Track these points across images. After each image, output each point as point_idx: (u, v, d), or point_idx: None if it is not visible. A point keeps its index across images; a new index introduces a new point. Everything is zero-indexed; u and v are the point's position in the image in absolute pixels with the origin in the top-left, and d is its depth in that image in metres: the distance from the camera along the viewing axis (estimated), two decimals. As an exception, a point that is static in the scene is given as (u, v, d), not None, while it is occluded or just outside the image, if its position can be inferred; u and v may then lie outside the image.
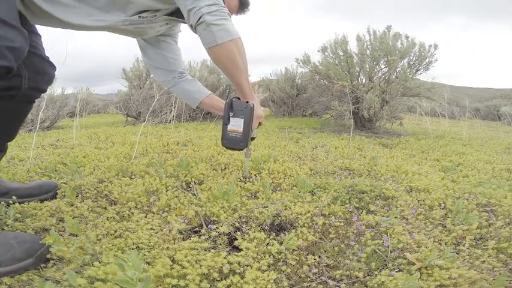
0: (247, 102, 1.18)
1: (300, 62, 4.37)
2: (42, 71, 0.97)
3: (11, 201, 1.08)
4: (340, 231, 1.02)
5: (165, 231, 0.96)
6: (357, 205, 1.24)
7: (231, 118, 1.18)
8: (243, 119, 1.16)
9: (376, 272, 0.81)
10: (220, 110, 1.39)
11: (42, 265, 0.79)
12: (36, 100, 1.03)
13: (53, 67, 1.03)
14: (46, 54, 1.01)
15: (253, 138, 1.33)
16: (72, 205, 1.13)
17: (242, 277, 0.74)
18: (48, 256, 0.80)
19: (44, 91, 1.02)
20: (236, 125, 1.17)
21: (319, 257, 0.89)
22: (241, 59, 1.11)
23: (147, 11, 1.07)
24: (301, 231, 0.98)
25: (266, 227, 1.03)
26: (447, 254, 0.81)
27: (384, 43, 3.62)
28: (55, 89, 4.70)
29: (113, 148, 2.19)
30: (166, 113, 4.62)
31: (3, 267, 0.74)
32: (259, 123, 1.34)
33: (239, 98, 1.24)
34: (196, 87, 1.42)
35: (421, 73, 3.81)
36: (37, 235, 0.89)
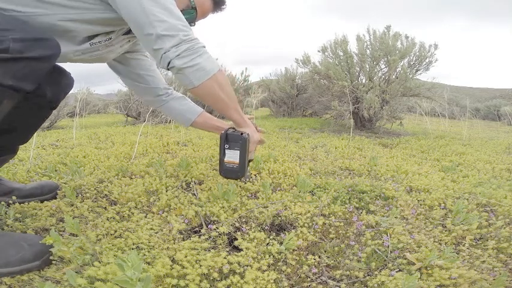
0: (241, 134, 1.16)
1: (299, 62, 4.37)
2: (60, 80, 0.99)
3: (11, 201, 1.08)
4: (340, 231, 1.02)
5: (165, 231, 0.96)
6: (357, 205, 1.24)
7: (226, 150, 1.18)
8: (238, 151, 1.16)
9: (376, 272, 0.81)
10: (214, 129, 1.33)
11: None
12: (57, 106, 1.05)
13: (69, 73, 1.04)
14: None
15: (250, 161, 1.32)
16: (72, 205, 1.13)
17: (242, 277, 0.74)
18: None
19: (64, 97, 1.03)
20: (232, 156, 1.18)
21: (319, 257, 0.89)
22: (224, 92, 1.04)
23: (98, 35, 0.95)
24: (301, 231, 0.98)
25: (266, 227, 1.03)
26: (447, 254, 0.81)
27: (384, 43, 3.62)
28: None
29: (113, 148, 2.19)
30: (166, 113, 4.61)
31: (10, 267, 0.74)
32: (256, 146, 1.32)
33: (235, 128, 1.23)
34: (187, 105, 1.34)
35: (421, 73, 3.81)
36: (39, 235, 0.90)
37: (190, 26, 1.11)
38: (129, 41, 1.11)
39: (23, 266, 0.75)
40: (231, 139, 1.17)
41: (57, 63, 0.98)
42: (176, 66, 0.91)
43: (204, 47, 0.96)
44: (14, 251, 0.76)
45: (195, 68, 0.93)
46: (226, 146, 1.18)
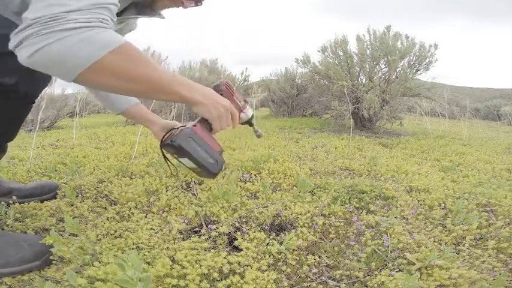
0: (171, 141, 0.86)
1: (299, 62, 4.37)
2: (36, 70, 0.97)
3: (11, 201, 1.08)
4: (340, 231, 1.02)
5: (165, 231, 0.96)
6: (357, 205, 1.24)
7: (179, 160, 0.93)
8: (186, 158, 0.89)
9: (376, 272, 0.81)
10: (148, 122, 1.19)
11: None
12: (35, 100, 1.03)
13: None
14: None
15: (250, 119, 1.04)
16: (72, 205, 1.13)
17: (242, 277, 0.74)
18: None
19: (43, 87, 1.01)
20: (188, 162, 0.91)
21: (319, 257, 0.89)
22: (129, 78, 0.70)
23: None
24: (301, 231, 0.98)
25: (266, 227, 1.03)
26: (447, 254, 0.81)
27: (384, 43, 3.62)
28: (55, 89, 4.71)
29: (113, 148, 2.19)
30: (166, 113, 4.62)
31: (10, 267, 0.74)
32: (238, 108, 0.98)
33: (179, 127, 0.94)
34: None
35: (421, 73, 3.82)
36: (39, 235, 0.90)
37: (197, 5, 0.97)
38: (121, 22, 0.99)
39: (23, 266, 0.75)
40: (169, 150, 0.92)
41: None
42: (22, 62, 0.63)
43: (86, 27, 0.62)
44: (14, 251, 0.76)
45: (46, 60, 0.63)
46: (175, 155, 0.94)
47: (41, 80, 1.00)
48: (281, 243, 0.91)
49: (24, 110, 1.03)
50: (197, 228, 1.02)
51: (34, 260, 0.77)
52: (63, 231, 0.95)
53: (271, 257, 0.86)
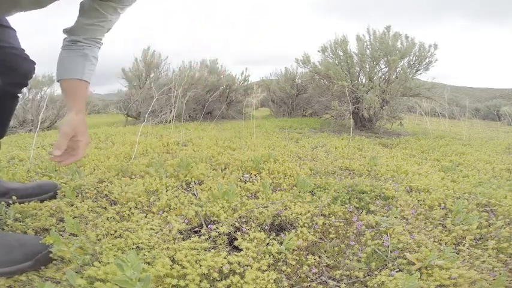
0: None
1: (299, 62, 4.37)
2: (15, 66, 0.96)
3: (11, 201, 1.08)
4: (340, 231, 1.02)
5: (165, 231, 0.96)
6: (357, 205, 1.24)
7: None
8: None
9: (376, 272, 0.81)
10: (66, 103, 0.98)
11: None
12: (19, 94, 1.02)
13: (28, 61, 1.01)
14: (20, 49, 0.99)
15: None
16: (72, 205, 1.13)
17: (242, 277, 0.74)
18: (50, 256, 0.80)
19: (25, 85, 1.01)
20: None
21: (319, 257, 0.89)
22: None
23: None
24: (301, 231, 0.98)
25: (266, 227, 1.03)
26: (447, 254, 0.81)
27: (384, 43, 3.62)
28: (55, 89, 4.70)
29: (113, 148, 2.19)
30: (166, 113, 4.62)
31: (1, 268, 0.74)
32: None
33: None
34: (75, 62, 0.92)
35: (421, 73, 3.81)
36: (38, 236, 0.89)
37: None
38: None
39: (15, 266, 0.75)
40: None
41: (16, 51, 0.96)
42: None
43: None
44: (4, 252, 0.76)
45: None
46: None
47: (21, 73, 0.99)
48: (281, 243, 0.91)
49: (10, 106, 1.02)
50: (197, 228, 1.02)
51: (25, 260, 0.76)
52: (63, 231, 0.95)
53: (271, 257, 0.86)
